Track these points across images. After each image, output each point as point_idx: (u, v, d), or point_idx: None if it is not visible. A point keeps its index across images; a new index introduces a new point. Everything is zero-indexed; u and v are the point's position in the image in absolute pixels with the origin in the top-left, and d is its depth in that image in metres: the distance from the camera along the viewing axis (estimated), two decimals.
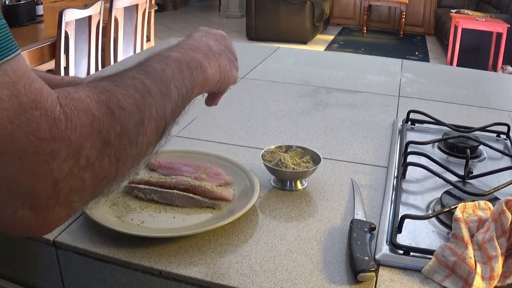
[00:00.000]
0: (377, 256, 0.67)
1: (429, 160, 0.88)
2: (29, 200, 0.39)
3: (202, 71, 0.61)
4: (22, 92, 0.38)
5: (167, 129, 0.53)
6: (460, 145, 0.98)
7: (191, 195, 0.78)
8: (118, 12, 3.03)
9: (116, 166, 0.45)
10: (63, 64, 2.73)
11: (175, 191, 0.79)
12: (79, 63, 2.85)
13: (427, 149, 0.97)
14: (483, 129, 1.06)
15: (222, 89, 0.69)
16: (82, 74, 2.87)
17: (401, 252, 0.68)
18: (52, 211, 0.41)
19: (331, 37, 6.79)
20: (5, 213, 0.39)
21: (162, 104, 0.51)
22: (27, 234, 0.42)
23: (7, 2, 2.87)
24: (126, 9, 3.13)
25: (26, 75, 0.39)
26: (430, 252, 0.66)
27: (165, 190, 0.79)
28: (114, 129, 0.44)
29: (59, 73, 2.72)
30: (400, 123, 1.12)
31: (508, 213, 0.63)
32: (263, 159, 0.86)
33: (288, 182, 0.86)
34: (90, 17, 2.80)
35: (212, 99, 0.73)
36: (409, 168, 0.88)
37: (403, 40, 6.80)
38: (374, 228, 0.72)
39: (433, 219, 0.75)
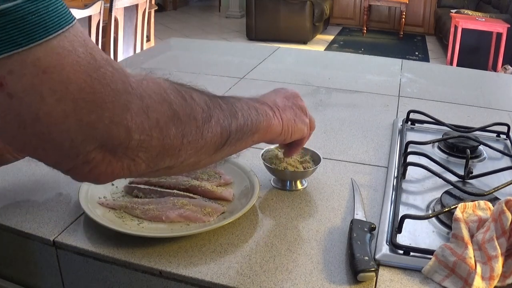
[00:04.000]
0: (377, 256, 0.67)
1: (429, 160, 0.88)
2: (103, 143, 0.43)
3: (267, 118, 0.65)
4: (95, 49, 0.42)
5: (229, 141, 0.56)
6: (460, 145, 0.98)
7: (191, 195, 0.78)
8: (118, 12, 3.03)
9: (181, 140, 0.48)
10: None
11: (175, 191, 0.79)
12: None
13: (427, 149, 0.97)
14: (483, 129, 1.06)
15: (288, 140, 0.73)
16: None
17: (401, 252, 0.68)
18: (120, 159, 0.45)
19: (331, 37, 6.79)
20: (79, 156, 0.43)
21: (229, 119, 0.56)
22: (91, 178, 0.45)
23: None
24: (126, 9, 3.13)
25: (90, 39, 0.42)
26: (430, 252, 0.66)
27: (165, 190, 0.79)
28: (184, 109, 0.49)
29: None
30: (400, 123, 1.12)
31: (508, 213, 0.63)
32: (263, 159, 0.86)
33: (288, 182, 0.86)
34: (90, 17, 2.80)
35: (288, 150, 0.79)
36: (409, 168, 0.88)
37: (403, 40, 6.80)
38: (374, 228, 0.72)
39: (433, 219, 0.75)
